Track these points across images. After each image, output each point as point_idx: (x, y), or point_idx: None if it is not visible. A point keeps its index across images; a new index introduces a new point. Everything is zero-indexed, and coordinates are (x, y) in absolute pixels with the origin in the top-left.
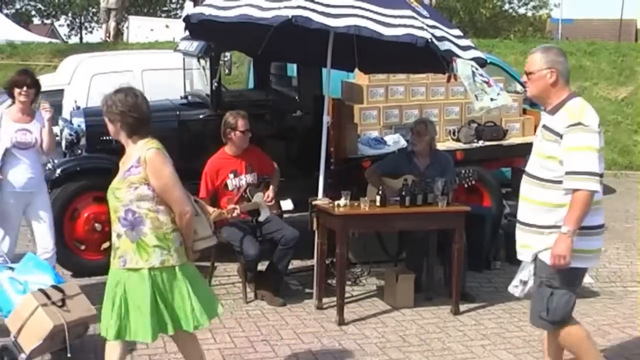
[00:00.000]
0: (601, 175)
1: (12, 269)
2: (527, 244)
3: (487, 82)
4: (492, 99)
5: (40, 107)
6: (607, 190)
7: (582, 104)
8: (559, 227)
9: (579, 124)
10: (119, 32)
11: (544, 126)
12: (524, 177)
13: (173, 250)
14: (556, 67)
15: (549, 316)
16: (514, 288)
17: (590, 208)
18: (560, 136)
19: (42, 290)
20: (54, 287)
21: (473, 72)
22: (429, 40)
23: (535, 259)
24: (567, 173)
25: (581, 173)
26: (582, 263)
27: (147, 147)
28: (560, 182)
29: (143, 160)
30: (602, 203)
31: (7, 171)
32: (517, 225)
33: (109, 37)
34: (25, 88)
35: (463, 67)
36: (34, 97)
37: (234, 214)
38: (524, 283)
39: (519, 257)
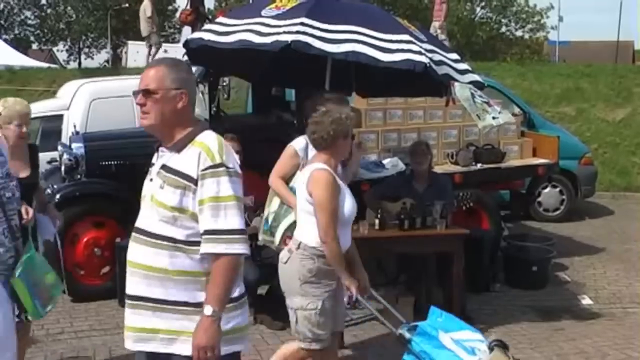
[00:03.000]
0: (245, 232)
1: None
2: (153, 327)
3: (487, 103)
4: (494, 118)
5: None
6: (606, 211)
7: (220, 139)
8: (197, 304)
9: (222, 165)
10: (117, 58)
11: (165, 167)
12: (135, 235)
13: None
14: (187, 89)
15: None
16: None
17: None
18: (195, 182)
19: (500, 346)
20: (501, 341)
21: (472, 93)
22: (427, 64)
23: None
24: (207, 232)
25: (223, 232)
26: (239, 345)
27: None
28: (196, 243)
29: None
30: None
31: None
32: (129, 302)
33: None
34: None
35: (461, 89)
36: None
37: None
38: None
39: (134, 347)
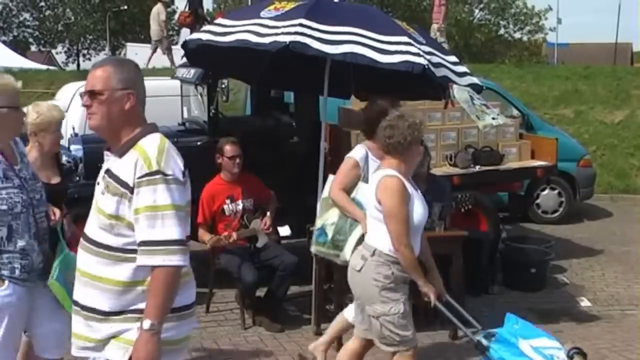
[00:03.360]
0: (186, 241)
1: (492, 335)
2: (85, 335)
3: (485, 105)
4: (493, 118)
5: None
6: (604, 213)
7: (162, 143)
8: (134, 311)
9: (158, 173)
10: None
11: (108, 172)
12: (81, 241)
13: None
14: (135, 89)
15: None
16: None
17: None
18: (131, 190)
19: (580, 354)
20: (580, 350)
21: (470, 96)
22: (426, 66)
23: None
24: (143, 243)
25: (160, 243)
26: (172, 357)
27: None
28: (134, 251)
29: None
30: (192, 274)
31: None
32: (74, 309)
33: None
34: None
35: (460, 92)
36: None
37: (230, 240)
38: None
39: (76, 354)
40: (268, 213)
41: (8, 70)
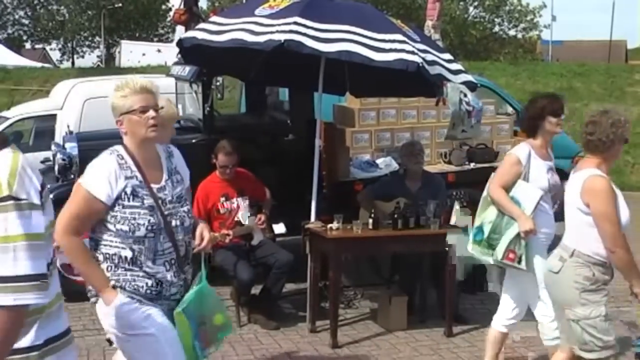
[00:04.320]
0: (44, 275)
1: None
2: None
3: (470, 112)
4: (463, 131)
5: None
6: None
7: (15, 161)
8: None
9: (9, 198)
10: (110, 57)
11: None
12: None
13: None
14: None
15: None
16: None
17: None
18: None
19: None
20: None
21: (460, 99)
22: (420, 64)
23: None
24: None
25: (12, 279)
26: None
27: None
28: None
29: None
30: (57, 302)
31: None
32: None
33: None
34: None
35: (452, 92)
36: None
37: (227, 240)
38: None
39: None
40: (263, 210)
41: (3, 68)
